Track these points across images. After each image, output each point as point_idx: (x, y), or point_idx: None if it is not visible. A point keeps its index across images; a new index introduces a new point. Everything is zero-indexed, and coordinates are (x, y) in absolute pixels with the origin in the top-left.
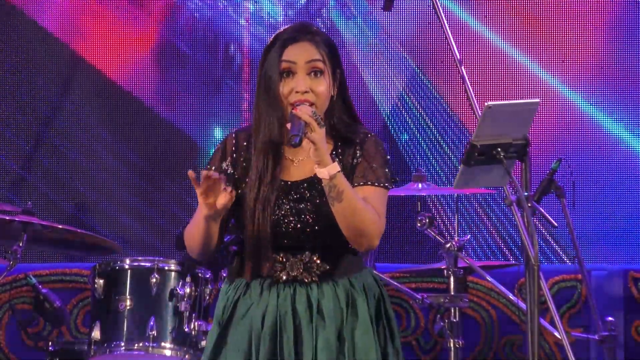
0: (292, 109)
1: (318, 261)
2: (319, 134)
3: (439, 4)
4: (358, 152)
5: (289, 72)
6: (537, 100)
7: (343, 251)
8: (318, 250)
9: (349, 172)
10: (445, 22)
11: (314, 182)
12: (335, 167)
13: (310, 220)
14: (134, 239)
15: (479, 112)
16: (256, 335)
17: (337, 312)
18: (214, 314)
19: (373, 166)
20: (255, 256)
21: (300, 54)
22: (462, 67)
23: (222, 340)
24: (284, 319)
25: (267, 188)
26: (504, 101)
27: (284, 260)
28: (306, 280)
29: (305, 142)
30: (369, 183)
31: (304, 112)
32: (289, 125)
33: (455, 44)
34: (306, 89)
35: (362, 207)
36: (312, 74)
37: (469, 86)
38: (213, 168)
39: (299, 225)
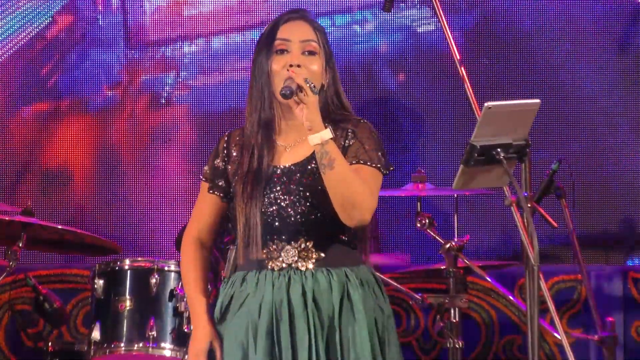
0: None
1: (313, 248)
2: (311, 98)
3: (438, 4)
4: (350, 134)
5: (283, 51)
6: (537, 100)
7: (338, 240)
8: (312, 237)
9: (342, 153)
10: (445, 22)
11: (305, 165)
12: (327, 133)
13: (303, 204)
14: (133, 240)
15: (479, 112)
16: (253, 326)
17: (329, 302)
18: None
19: (365, 147)
20: (249, 245)
21: (295, 32)
22: (462, 68)
23: (220, 334)
24: (280, 309)
25: (257, 173)
26: (504, 101)
27: (279, 248)
28: (301, 268)
29: (298, 110)
30: (361, 162)
31: (299, 75)
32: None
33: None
34: (299, 62)
35: (354, 177)
36: (307, 53)
37: (469, 87)
38: (206, 168)
39: (291, 210)
